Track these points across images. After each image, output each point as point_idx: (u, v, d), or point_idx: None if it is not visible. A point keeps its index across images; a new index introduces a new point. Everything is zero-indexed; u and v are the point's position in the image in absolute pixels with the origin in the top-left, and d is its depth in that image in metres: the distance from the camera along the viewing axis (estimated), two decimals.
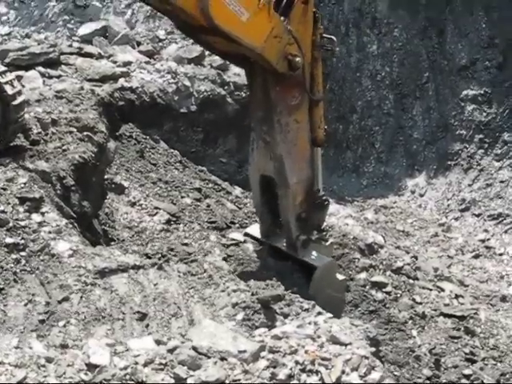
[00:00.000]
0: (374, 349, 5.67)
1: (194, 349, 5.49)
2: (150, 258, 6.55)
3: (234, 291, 6.07)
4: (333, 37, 8.99)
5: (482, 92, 17.68)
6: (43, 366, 4.83)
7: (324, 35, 8.79)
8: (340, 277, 9.63)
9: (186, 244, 8.25)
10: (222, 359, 5.34)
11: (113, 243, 8.64)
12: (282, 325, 5.85)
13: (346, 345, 5.79)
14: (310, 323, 5.93)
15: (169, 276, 6.19)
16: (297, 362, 5.49)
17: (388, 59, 18.71)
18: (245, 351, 5.46)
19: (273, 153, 8.89)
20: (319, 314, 6.07)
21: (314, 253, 9.25)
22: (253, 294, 6.10)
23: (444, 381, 9.67)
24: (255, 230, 9.85)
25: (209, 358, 5.23)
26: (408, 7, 18.64)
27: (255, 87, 8.88)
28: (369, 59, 18.66)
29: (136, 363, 5.29)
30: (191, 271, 6.32)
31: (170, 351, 5.31)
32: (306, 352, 5.60)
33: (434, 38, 18.42)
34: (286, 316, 6.06)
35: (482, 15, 18.19)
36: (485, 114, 17.49)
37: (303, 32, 8.44)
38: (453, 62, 18.15)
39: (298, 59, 8.26)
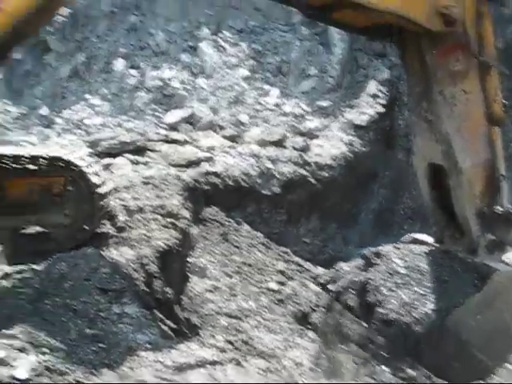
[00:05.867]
0: None
1: None
2: (225, 351, 6.39)
3: None
4: None
5: None
6: None
7: None
8: None
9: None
10: None
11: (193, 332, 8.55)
12: None
13: None
14: None
15: (247, 373, 6.00)
16: None
17: None
18: None
19: (438, 132, 7.32)
20: None
21: (503, 261, 7.40)
22: None
23: None
24: (425, 235, 8.37)
25: None
26: None
27: (408, 59, 7.41)
28: None
29: None
30: (270, 367, 6.09)
31: None
32: None
33: None
34: None
35: None
36: None
37: None
38: None
39: (454, 10, 6.71)
